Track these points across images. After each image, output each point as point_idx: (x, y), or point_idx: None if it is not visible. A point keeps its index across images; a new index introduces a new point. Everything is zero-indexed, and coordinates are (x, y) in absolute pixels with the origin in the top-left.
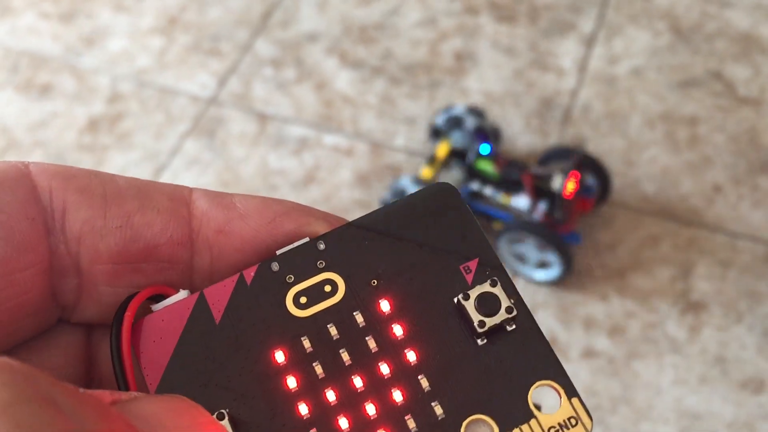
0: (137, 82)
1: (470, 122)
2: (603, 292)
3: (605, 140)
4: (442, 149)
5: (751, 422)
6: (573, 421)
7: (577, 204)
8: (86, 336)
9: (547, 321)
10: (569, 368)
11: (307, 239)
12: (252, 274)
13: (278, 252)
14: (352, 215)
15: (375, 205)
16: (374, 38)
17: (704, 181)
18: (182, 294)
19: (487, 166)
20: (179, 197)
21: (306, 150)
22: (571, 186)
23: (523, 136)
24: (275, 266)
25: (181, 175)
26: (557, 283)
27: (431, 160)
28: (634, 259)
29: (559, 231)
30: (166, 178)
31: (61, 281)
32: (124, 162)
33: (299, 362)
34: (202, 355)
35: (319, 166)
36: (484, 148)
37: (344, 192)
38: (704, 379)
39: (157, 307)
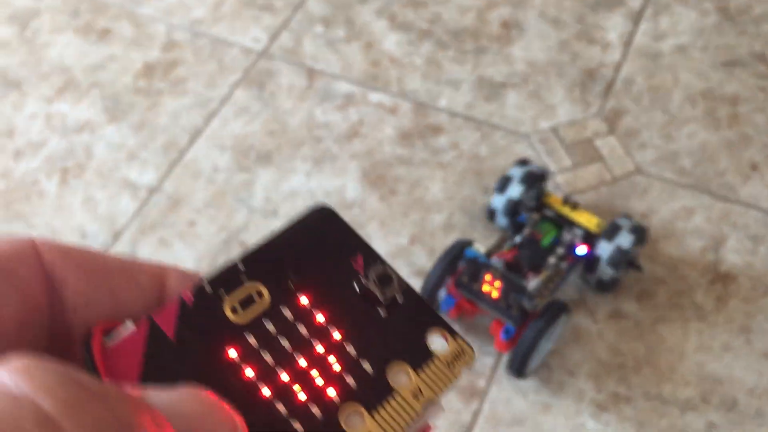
0: (192, 32)
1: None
2: None
3: (646, 114)
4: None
5: None
6: (461, 352)
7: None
8: None
9: (577, 282)
10: (595, 328)
11: (230, 262)
12: (190, 295)
13: (205, 276)
14: (394, 170)
15: (416, 162)
16: (423, 2)
17: (741, 159)
18: (129, 324)
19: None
20: (158, 276)
21: (351, 106)
22: (486, 287)
23: (563, 105)
24: (208, 287)
25: (229, 122)
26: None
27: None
28: (667, 229)
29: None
30: (215, 125)
31: (52, 343)
32: (176, 107)
33: (250, 356)
34: (167, 370)
35: (363, 121)
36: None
37: (386, 147)
38: (728, 347)
39: (112, 340)
